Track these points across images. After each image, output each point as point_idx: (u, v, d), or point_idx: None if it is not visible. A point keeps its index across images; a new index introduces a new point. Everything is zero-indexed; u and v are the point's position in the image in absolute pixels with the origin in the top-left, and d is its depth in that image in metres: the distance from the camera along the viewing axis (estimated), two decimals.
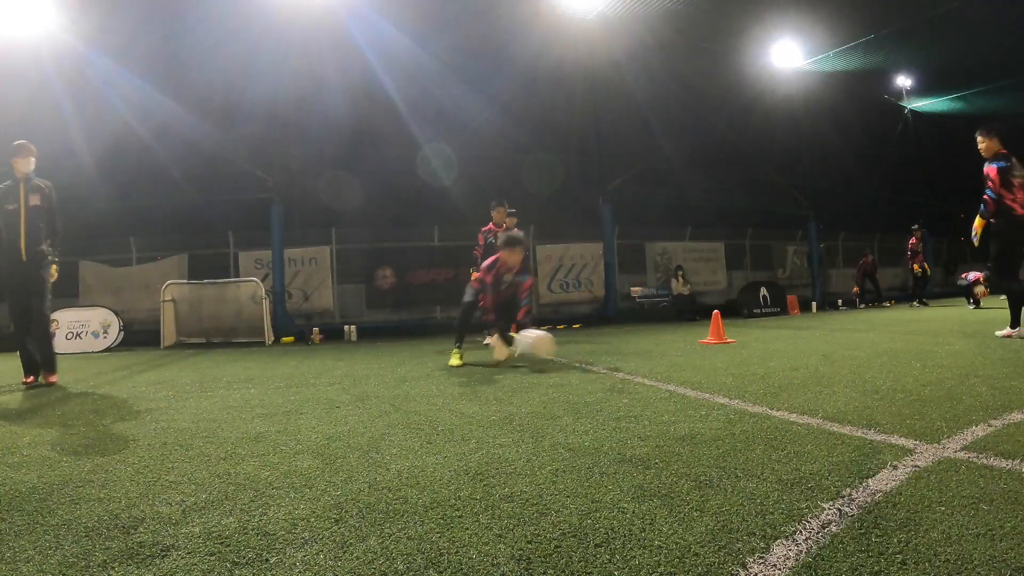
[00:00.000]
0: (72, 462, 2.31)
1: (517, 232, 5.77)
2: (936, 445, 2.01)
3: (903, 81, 19.33)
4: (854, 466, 1.82)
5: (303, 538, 1.48)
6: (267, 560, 1.36)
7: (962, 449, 1.95)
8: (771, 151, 16.32)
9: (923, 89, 19.46)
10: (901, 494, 1.55)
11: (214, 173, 11.84)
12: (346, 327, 10.86)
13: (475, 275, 7.74)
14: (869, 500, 1.53)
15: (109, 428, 2.97)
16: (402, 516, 1.58)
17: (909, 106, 20.90)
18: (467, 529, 1.47)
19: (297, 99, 11.66)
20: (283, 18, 10.91)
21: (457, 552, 1.35)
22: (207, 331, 10.51)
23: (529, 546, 1.36)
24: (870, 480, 1.68)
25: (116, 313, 10.14)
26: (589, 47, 13.35)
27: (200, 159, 11.71)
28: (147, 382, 4.92)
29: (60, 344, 9.57)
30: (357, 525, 1.53)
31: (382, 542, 1.42)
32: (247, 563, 1.35)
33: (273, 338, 10.31)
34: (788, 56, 15.74)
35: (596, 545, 1.35)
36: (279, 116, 11.62)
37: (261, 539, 1.48)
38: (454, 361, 5.40)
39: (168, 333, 10.08)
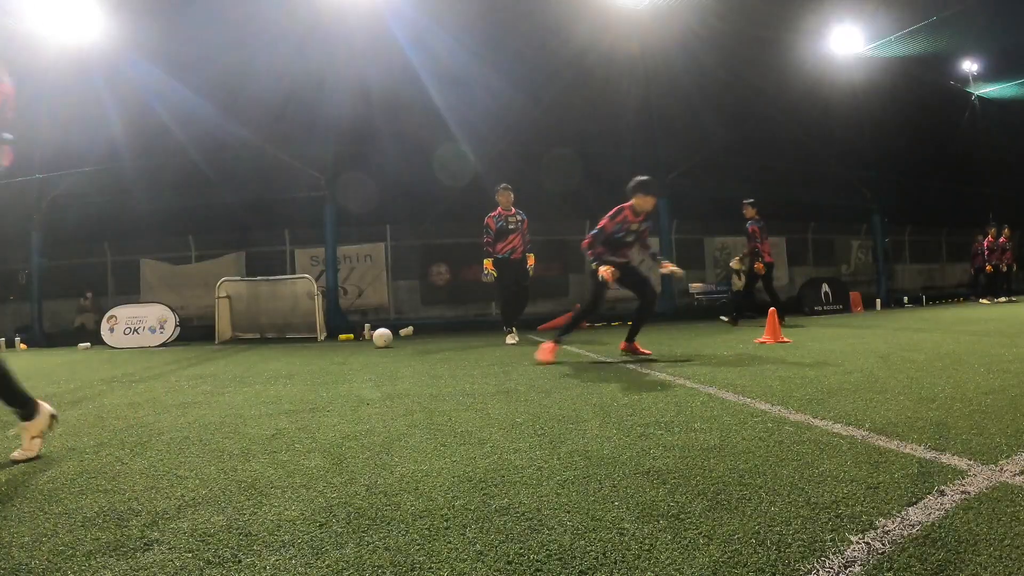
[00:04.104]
0: (93, 453, 2.37)
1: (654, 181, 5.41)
2: (992, 467, 1.75)
3: (969, 66, 18.09)
4: (895, 490, 1.60)
5: (282, 541, 1.43)
6: (240, 561, 1.33)
7: (1021, 473, 1.69)
8: (832, 141, 15.52)
9: (991, 74, 18.14)
10: (944, 527, 1.34)
11: (270, 173, 12.24)
12: (401, 331, 10.82)
13: (487, 263, 7.55)
14: (905, 535, 1.32)
15: (139, 421, 3.04)
16: (388, 524, 1.51)
17: (976, 92, 19.50)
18: (450, 543, 1.38)
19: (349, 99, 11.86)
20: (331, 21, 11.14)
21: (431, 568, 1.26)
22: (262, 327, 10.84)
23: (508, 567, 1.25)
24: (911, 509, 1.46)
25: (172, 309, 10.59)
26: (641, 38, 13.02)
27: (257, 160, 12.12)
28: (191, 376, 5.08)
29: (118, 339, 10.12)
30: (341, 531, 1.47)
31: (358, 551, 1.35)
32: (220, 563, 1.32)
33: (326, 334, 10.52)
34: (848, 42, 14.93)
35: (581, 572, 1.22)
36: (332, 116, 11.85)
37: (241, 539, 1.45)
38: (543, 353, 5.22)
39: (223, 328, 10.45)
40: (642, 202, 5.26)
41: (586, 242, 5.39)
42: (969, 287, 15.95)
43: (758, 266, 9.08)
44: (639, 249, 5.69)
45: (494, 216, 7.55)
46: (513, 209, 7.60)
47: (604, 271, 5.15)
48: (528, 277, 7.75)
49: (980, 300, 13.76)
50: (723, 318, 9.44)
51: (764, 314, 6.78)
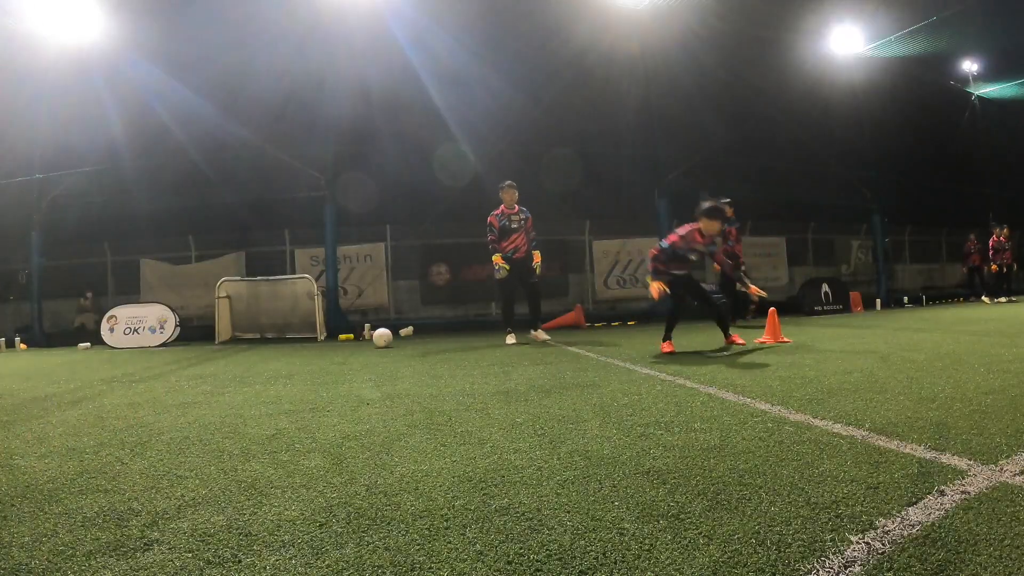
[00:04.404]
0: (93, 453, 2.37)
1: (721, 205, 5.73)
2: (992, 467, 1.75)
3: (969, 66, 18.14)
4: (895, 490, 1.60)
5: (282, 541, 1.43)
6: (240, 561, 1.33)
7: (1021, 473, 1.69)
8: (832, 141, 15.54)
9: (991, 74, 18.19)
10: (943, 527, 1.34)
11: (270, 173, 12.25)
12: (401, 331, 10.84)
13: (497, 258, 7.48)
14: (905, 535, 1.32)
15: (140, 421, 3.04)
16: (389, 524, 1.51)
17: (977, 92, 19.53)
18: (450, 543, 1.38)
19: (349, 99, 11.86)
20: (331, 21, 11.15)
21: (431, 568, 1.26)
22: (262, 327, 10.84)
23: (508, 567, 1.24)
24: (911, 508, 1.46)
25: (172, 309, 10.59)
26: (641, 38, 13.03)
27: (257, 160, 12.13)
28: (191, 376, 5.07)
29: (118, 339, 10.11)
30: (341, 531, 1.47)
31: (358, 551, 1.35)
32: (220, 563, 1.32)
33: (326, 334, 10.51)
34: (848, 42, 14.97)
35: (580, 572, 1.22)
36: (332, 116, 11.85)
37: (242, 539, 1.45)
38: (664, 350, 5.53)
39: (223, 329, 10.44)
40: (709, 225, 5.54)
41: (653, 252, 5.71)
42: (965, 287, 16.05)
43: (717, 268, 9.23)
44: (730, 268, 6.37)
45: (496, 214, 7.45)
46: (516, 207, 7.52)
47: (653, 289, 5.53)
48: (535, 274, 7.60)
49: (982, 299, 13.79)
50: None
51: (761, 312, 6.81)
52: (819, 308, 12.44)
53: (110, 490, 1.88)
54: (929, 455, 1.91)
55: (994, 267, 13.69)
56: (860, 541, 1.30)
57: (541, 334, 7.61)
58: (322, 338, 10.29)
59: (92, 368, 6.26)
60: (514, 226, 7.45)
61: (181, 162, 12.06)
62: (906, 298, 15.74)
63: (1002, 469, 1.72)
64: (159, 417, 3.12)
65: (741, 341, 5.87)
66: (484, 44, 12.23)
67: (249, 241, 13.67)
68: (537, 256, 7.58)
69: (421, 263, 14.10)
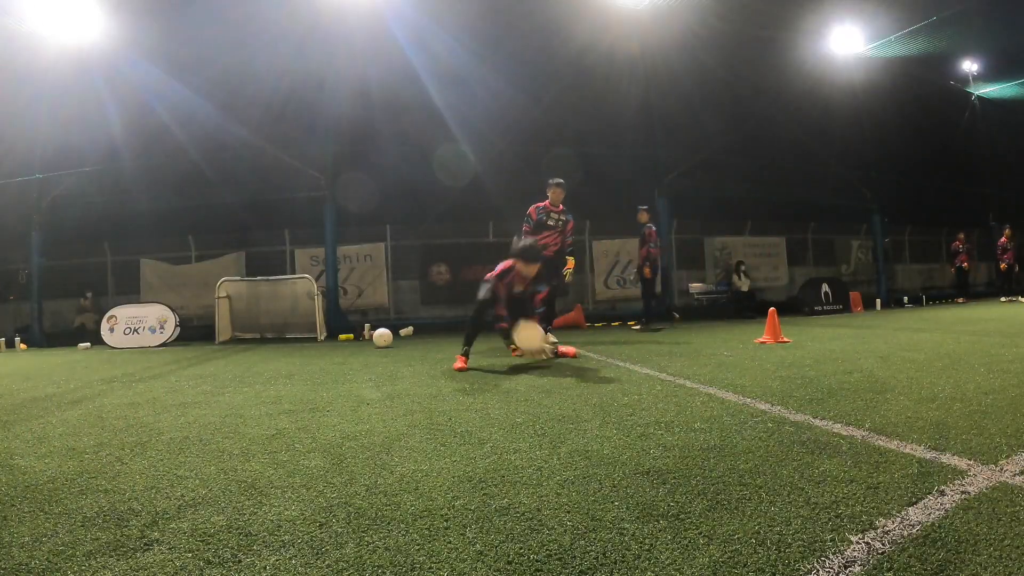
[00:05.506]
0: (93, 453, 2.37)
1: (537, 246, 5.48)
2: (993, 467, 1.75)
3: (969, 66, 18.17)
4: (895, 490, 1.60)
5: (282, 541, 1.43)
6: (240, 561, 1.33)
7: (1021, 473, 1.69)
8: (832, 141, 15.52)
9: (991, 74, 18.21)
10: (943, 527, 1.34)
11: (270, 173, 12.24)
12: (401, 331, 10.80)
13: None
14: (905, 535, 1.32)
15: (140, 421, 3.04)
16: (389, 524, 1.51)
17: (977, 92, 19.54)
18: (450, 543, 1.38)
19: (349, 99, 11.86)
20: (331, 21, 11.16)
21: (431, 568, 1.26)
22: (262, 327, 10.83)
23: (508, 567, 1.25)
24: (911, 509, 1.47)
25: (172, 309, 10.58)
26: (641, 38, 13.03)
27: (257, 160, 12.13)
28: (191, 376, 5.07)
29: (118, 339, 10.11)
30: (341, 531, 1.47)
31: (358, 551, 1.35)
32: (220, 563, 1.33)
33: (326, 334, 10.51)
34: (848, 42, 14.98)
35: (580, 572, 1.22)
36: (332, 116, 11.86)
37: (242, 539, 1.45)
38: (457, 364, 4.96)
39: (223, 328, 10.43)
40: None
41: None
42: (958, 287, 16.07)
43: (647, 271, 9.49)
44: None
45: (538, 207, 7.30)
46: (561, 207, 7.45)
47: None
48: (558, 278, 7.31)
49: (1018, 299, 13.56)
50: (632, 325, 9.62)
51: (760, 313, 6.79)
52: (819, 308, 12.44)
53: (110, 490, 1.88)
54: (929, 455, 1.91)
55: (1017, 268, 13.57)
56: (860, 541, 1.30)
57: (550, 337, 7.57)
58: (322, 338, 10.28)
59: (92, 368, 6.25)
60: (550, 223, 7.33)
61: (181, 162, 12.04)
62: (906, 298, 15.74)
63: (1002, 469, 1.73)
64: (159, 417, 3.12)
65: (569, 351, 5.77)
66: (484, 44, 12.21)
67: (249, 241, 13.65)
68: (571, 262, 7.33)
69: (421, 263, 14.08)
